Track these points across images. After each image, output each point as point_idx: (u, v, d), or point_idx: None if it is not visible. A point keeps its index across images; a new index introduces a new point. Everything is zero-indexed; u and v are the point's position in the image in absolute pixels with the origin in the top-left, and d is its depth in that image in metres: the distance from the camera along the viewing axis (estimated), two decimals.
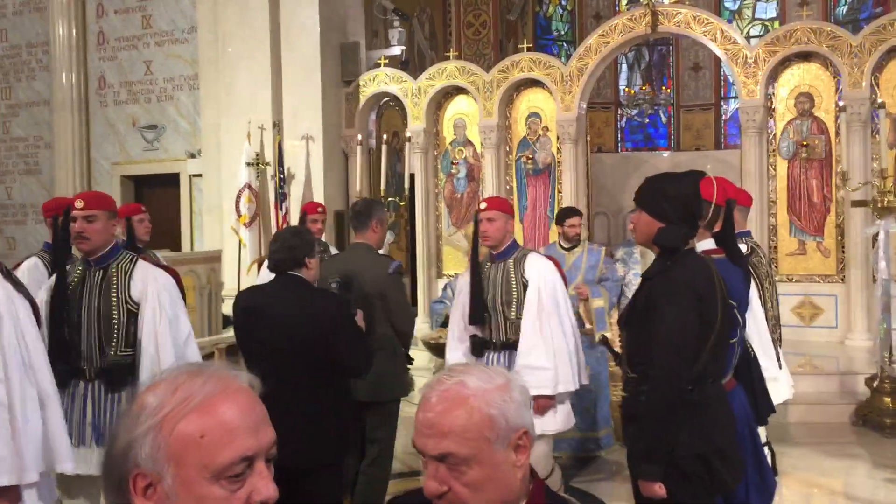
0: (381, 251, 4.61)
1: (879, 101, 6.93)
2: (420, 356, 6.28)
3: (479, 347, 4.27)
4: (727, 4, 14.53)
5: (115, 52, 11.23)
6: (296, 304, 3.51)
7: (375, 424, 4.27)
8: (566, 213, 6.14)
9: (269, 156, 9.36)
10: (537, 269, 4.20)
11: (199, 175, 10.34)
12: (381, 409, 4.27)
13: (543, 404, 4.11)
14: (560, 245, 6.10)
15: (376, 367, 3.71)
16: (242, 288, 4.58)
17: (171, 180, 10.80)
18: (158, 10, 10.98)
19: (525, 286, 4.18)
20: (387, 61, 9.99)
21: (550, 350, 4.10)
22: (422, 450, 1.45)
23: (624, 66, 14.90)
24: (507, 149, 9.60)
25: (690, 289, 2.67)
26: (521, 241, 9.39)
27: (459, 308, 4.36)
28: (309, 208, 6.06)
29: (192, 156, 10.67)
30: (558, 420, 4.26)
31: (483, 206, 4.24)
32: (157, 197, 10.91)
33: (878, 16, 9.72)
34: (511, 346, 4.22)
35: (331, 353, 3.45)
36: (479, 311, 4.21)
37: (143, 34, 11.06)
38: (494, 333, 4.27)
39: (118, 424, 1.15)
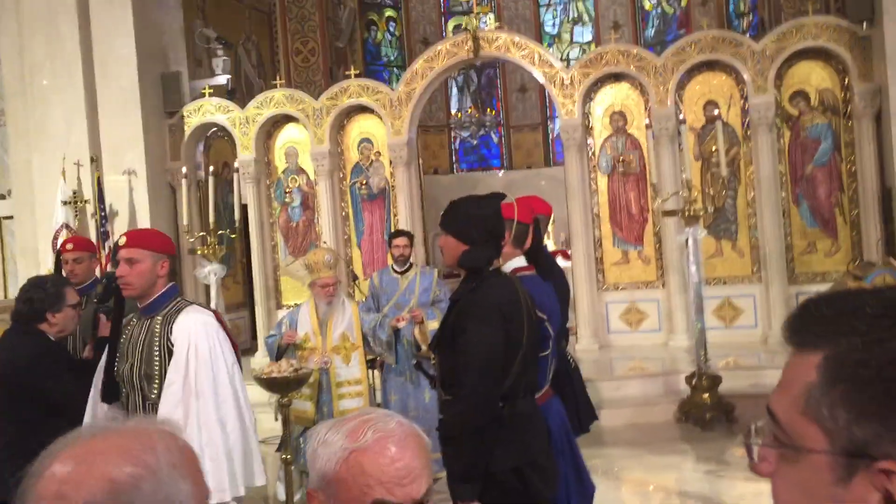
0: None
1: (681, 116, 7.45)
2: (253, 391, 6.10)
3: None
4: (547, 29, 15.23)
5: None
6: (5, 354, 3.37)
7: None
8: (393, 235, 6.21)
9: (89, 192, 8.87)
10: (189, 328, 3.03)
11: (10, 217, 9.64)
12: None
13: None
14: (393, 269, 6.14)
15: None
16: None
17: None
18: None
19: (172, 354, 3.04)
20: (212, 91, 9.73)
21: (195, 448, 2.88)
22: (403, 500, 1.33)
23: (455, 90, 15.28)
24: (341, 175, 9.57)
25: (495, 308, 2.73)
26: (359, 268, 9.45)
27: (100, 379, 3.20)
28: (61, 247, 4.87)
29: (2, 196, 9.93)
30: None
31: (122, 241, 3.12)
32: None
33: (682, 37, 10.47)
34: None
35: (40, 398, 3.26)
36: (110, 386, 3.09)
37: None
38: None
39: None
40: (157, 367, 3.03)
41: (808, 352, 0.80)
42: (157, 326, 3.07)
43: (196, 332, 3.02)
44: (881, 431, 0.74)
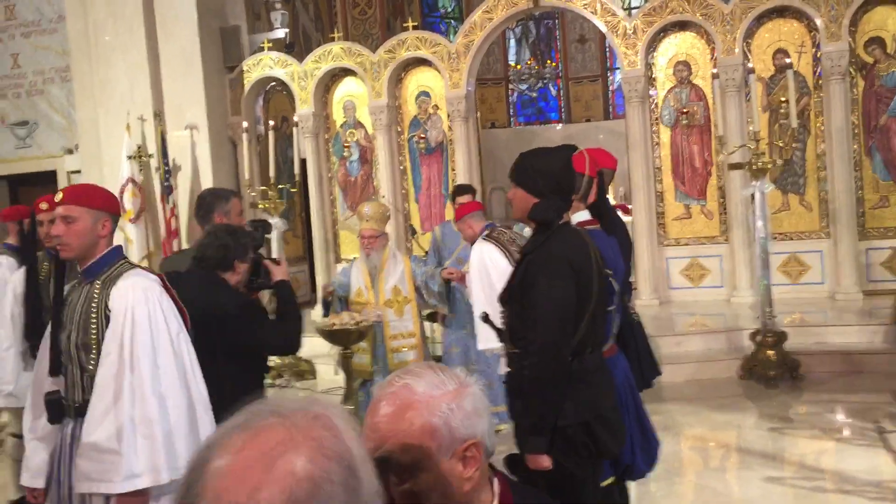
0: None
1: (749, 66, 7.19)
2: (314, 343, 6.25)
3: (54, 409, 2.82)
4: None
5: None
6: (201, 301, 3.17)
7: None
8: (457, 191, 6.17)
9: (152, 148, 9.04)
10: (127, 294, 2.73)
11: (79, 171, 9.89)
12: None
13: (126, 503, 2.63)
14: (455, 223, 6.11)
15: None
16: None
17: (48, 178, 10.27)
18: None
19: (109, 321, 2.74)
20: (270, 45, 9.75)
21: (127, 423, 2.62)
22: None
23: (512, 42, 15.03)
24: (399, 129, 9.54)
25: (566, 262, 2.70)
26: (417, 223, 9.46)
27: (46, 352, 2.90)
28: (35, 206, 4.23)
29: (70, 151, 10.18)
30: None
31: (58, 197, 2.81)
32: (34, 197, 10.32)
33: None
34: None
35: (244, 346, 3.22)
36: (55, 357, 2.83)
37: (7, 25, 10.43)
38: (70, 391, 2.82)
39: None
40: (94, 336, 2.75)
41: None
42: (96, 291, 2.77)
43: (134, 298, 2.71)
44: None
